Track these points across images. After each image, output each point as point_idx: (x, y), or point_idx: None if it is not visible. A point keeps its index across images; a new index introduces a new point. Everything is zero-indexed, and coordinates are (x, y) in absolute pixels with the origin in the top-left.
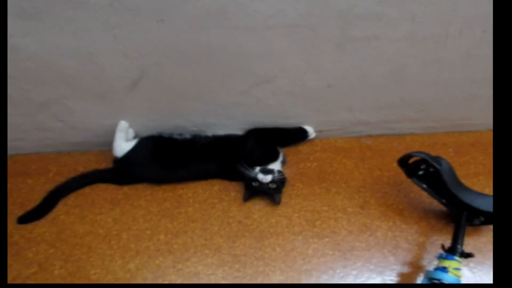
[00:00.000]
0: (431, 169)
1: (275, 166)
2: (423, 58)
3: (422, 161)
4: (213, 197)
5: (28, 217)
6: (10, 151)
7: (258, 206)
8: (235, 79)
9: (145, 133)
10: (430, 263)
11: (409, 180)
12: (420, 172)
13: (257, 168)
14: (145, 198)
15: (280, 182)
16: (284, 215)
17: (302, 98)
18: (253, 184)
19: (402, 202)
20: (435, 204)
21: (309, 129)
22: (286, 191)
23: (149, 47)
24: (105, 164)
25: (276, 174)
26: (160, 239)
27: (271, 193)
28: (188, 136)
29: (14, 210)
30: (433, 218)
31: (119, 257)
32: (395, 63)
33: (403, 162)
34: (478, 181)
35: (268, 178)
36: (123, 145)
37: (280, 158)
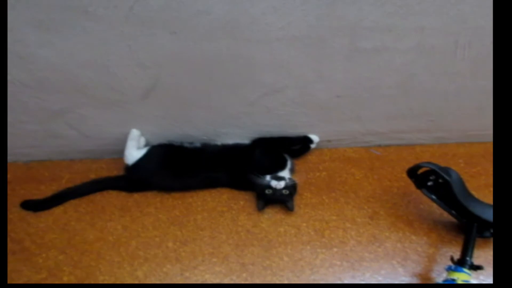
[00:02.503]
0: (441, 180)
1: (284, 174)
2: (432, 69)
3: (431, 172)
4: (222, 205)
5: (31, 205)
6: (24, 158)
7: (266, 215)
8: (245, 89)
9: (156, 141)
10: (440, 275)
11: (418, 191)
12: (430, 183)
13: (268, 176)
14: (154, 205)
15: (293, 188)
16: (293, 225)
17: (311, 108)
18: (266, 192)
19: (411, 213)
20: (445, 216)
21: (314, 137)
22: (295, 200)
23: (162, 58)
24: (116, 172)
25: (287, 180)
26: (169, 246)
27: (285, 200)
28: (198, 144)
29: (26, 216)
30: (443, 229)
31: (127, 264)
32: (404, 74)
33: (412, 172)
34: (489, 192)
35: (281, 184)
36: (134, 153)
37: (289, 166)
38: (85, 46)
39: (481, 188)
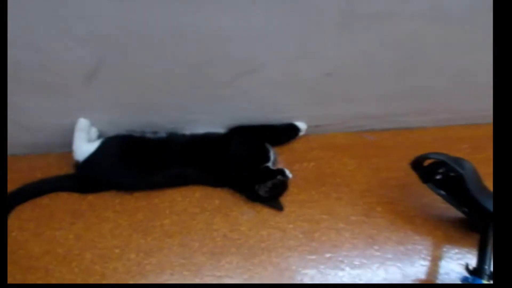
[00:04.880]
0: (452, 174)
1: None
2: (445, 39)
3: (441, 163)
4: (193, 206)
5: None
6: None
7: (246, 216)
8: (215, 68)
9: (113, 132)
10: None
11: (420, 182)
12: (438, 177)
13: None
14: (113, 208)
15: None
16: (277, 227)
17: (296, 89)
18: (278, 177)
19: (413, 208)
20: (452, 210)
21: (301, 125)
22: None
23: (104, 30)
24: (68, 169)
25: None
26: (131, 258)
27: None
28: (163, 134)
29: None
30: (450, 226)
31: (81, 281)
32: (410, 46)
33: (417, 164)
34: None
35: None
36: (84, 146)
37: (272, 158)
38: None
39: (490, 177)
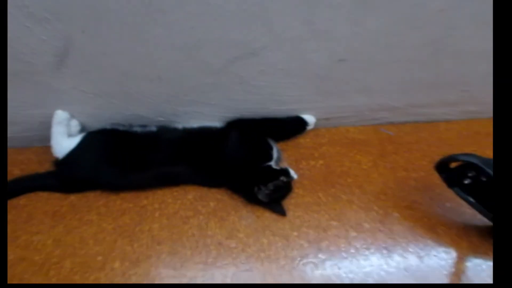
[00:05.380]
0: (483, 178)
1: None
2: (482, 16)
3: (470, 166)
4: (186, 208)
5: None
6: None
7: (244, 222)
8: (206, 51)
9: (96, 126)
10: None
11: (444, 184)
12: (466, 181)
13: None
14: (97, 210)
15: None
16: (279, 234)
17: (302, 77)
18: (281, 178)
19: (435, 214)
20: (480, 217)
21: (309, 118)
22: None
23: (66, 5)
24: (49, 165)
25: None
26: (115, 268)
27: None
28: (153, 128)
29: None
30: (476, 235)
31: None
32: (439, 26)
33: (443, 166)
34: None
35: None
36: (64, 142)
37: (275, 155)
38: None
39: None
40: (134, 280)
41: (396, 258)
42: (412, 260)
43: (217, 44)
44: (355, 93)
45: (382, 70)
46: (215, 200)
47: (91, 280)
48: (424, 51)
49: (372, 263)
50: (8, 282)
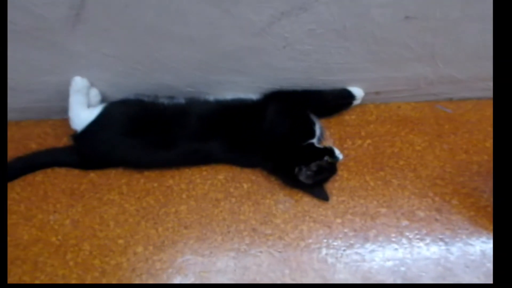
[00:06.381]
0: None
1: None
2: None
3: None
4: (216, 190)
5: None
6: None
7: (282, 206)
8: (245, 6)
9: (118, 96)
10: None
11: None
12: None
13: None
14: (119, 190)
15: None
16: (321, 221)
17: (357, 40)
18: (326, 159)
19: None
20: None
21: (357, 91)
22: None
23: None
24: (67, 139)
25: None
26: (138, 252)
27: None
28: (181, 100)
29: None
30: None
31: (76, 278)
32: None
33: None
34: None
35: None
36: (82, 113)
37: (317, 133)
38: None
39: None
40: (158, 267)
41: (455, 251)
42: (474, 254)
43: None
44: (415, 61)
45: (456, 31)
46: (249, 181)
47: (112, 264)
48: None
49: (428, 256)
50: (22, 264)
